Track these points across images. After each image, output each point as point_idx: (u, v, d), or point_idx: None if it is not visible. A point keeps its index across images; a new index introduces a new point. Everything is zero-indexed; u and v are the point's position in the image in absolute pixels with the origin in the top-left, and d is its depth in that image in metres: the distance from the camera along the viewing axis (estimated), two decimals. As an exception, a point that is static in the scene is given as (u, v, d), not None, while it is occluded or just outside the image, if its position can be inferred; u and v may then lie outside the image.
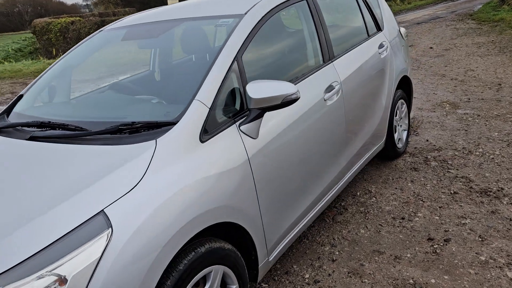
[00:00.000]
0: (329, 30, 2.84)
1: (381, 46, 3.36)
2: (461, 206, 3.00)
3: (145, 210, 1.47)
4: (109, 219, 1.40)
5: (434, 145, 4.06)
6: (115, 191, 1.48)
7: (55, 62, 2.73)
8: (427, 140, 4.20)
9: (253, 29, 2.19)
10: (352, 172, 3.03)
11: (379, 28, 3.47)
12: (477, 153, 3.79)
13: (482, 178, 3.34)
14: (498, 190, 3.14)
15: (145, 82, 2.68)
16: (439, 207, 3.02)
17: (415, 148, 4.06)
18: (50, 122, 2.02)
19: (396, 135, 3.74)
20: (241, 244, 2.01)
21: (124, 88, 2.50)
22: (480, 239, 2.61)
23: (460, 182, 3.33)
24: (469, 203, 3.03)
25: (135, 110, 2.09)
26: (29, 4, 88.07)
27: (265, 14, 2.30)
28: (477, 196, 3.10)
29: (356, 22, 3.31)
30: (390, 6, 18.13)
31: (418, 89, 6.10)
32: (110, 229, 1.38)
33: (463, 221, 2.81)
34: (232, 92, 1.99)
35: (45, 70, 2.70)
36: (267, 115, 2.06)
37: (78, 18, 22.97)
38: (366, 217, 2.99)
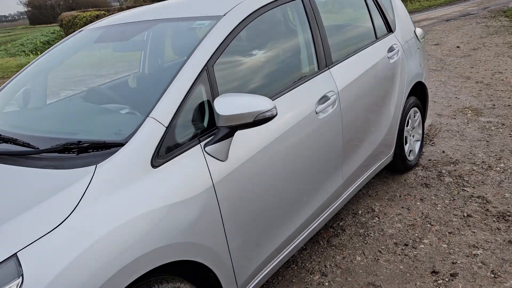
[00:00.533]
0: (330, 33, 2.55)
1: (391, 49, 3.03)
2: (474, 232, 2.66)
3: (69, 253, 1.24)
4: (21, 266, 1.17)
5: (451, 158, 3.70)
6: (36, 229, 1.26)
7: (29, 64, 2.53)
8: (443, 152, 3.84)
9: (231, 32, 1.92)
10: (353, 188, 2.74)
11: (390, 30, 3.14)
12: (498, 168, 3.42)
13: (501, 199, 2.98)
14: (519, 215, 2.78)
15: (119, 89, 2.45)
16: (449, 232, 2.69)
17: (429, 160, 3.71)
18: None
19: (407, 147, 3.41)
20: (207, 279, 1.76)
21: (95, 95, 2.28)
22: (492, 275, 2.28)
23: (476, 202, 2.98)
24: (483, 229, 2.69)
25: (94, 124, 1.86)
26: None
27: (248, 15, 2.03)
28: (494, 220, 2.76)
29: (363, 23, 2.99)
30: (419, 1, 17.59)
31: (440, 92, 5.69)
32: (20, 278, 1.16)
33: (474, 252, 2.48)
34: (200, 106, 1.74)
35: (18, 73, 2.51)
36: (241, 133, 1.80)
37: (103, 12, 23.15)
38: (365, 241, 2.69)
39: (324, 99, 2.29)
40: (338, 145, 2.42)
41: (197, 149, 1.66)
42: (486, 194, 3.07)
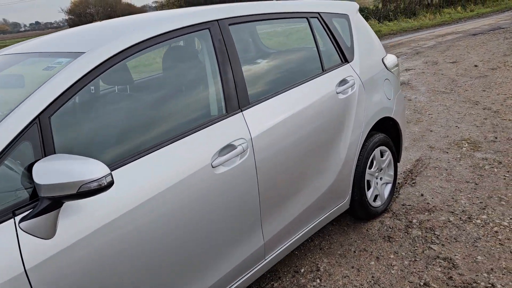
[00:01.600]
0: (257, 67, 2.18)
1: (343, 82, 2.61)
2: (425, 309, 2.20)
3: None
4: None
5: (428, 203, 3.22)
6: None
7: None
8: (422, 195, 3.35)
9: (89, 72, 1.58)
10: (284, 247, 2.32)
11: (345, 60, 2.72)
12: (479, 221, 2.92)
13: (470, 264, 2.49)
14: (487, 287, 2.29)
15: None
16: (396, 307, 2.24)
17: (403, 205, 3.24)
18: None
19: (370, 192, 2.96)
20: None
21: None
22: None
23: (440, 266, 2.50)
24: (438, 305, 2.22)
25: None
26: (100, 6, 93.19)
27: (120, 52, 1.69)
28: (454, 294, 2.28)
29: (305, 53, 2.59)
30: (449, 13, 16.76)
31: (440, 119, 5.16)
32: None
33: (417, 339, 2.02)
34: (26, 170, 1.40)
35: None
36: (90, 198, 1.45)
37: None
38: (293, 312, 2.28)
39: (228, 148, 1.91)
40: (252, 202, 2.03)
41: (7, 226, 1.33)
42: (455, 255, 2.59)
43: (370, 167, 2.93)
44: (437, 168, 3.80)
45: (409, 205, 3.23)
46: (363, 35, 2.94)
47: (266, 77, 2.28)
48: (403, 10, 20.63)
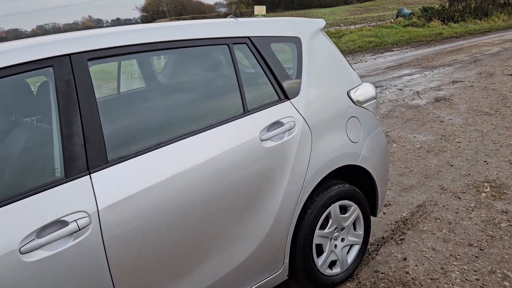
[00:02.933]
0: (138, 109, 1.70)
1: (275, 126, 2.05)
2: None
3: None
4: None
5: (407, 274, 2.54)
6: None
7: None
8: (405, 259, 2.67)
9: None
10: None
11: (285, 96, 2.14)
12: (464, 310, 2.22)
13: None
14: None
15: None
16: None
17: (375, 271, 2.59)
18: None
19: (323, 257, 2.35)
20: None
21: None
22: None
23: None
24: None
25: None
26: (172, 4, 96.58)
27: None
28: None
29: (219, 89, 2.05)
30: (476, 23, 15.00)
31: (469, 150, 4.32)
32: None
33: None
34: None
35: None
36: None
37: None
38: None
39: (56, 226, 1.45)
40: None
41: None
42: None
43: (323, 227, 2.33)
44: (439, 220, 3.07)
45: (382, 273, 2.57)
46: (321, 62, 2.33)
47: (150, 123, 1.79)
48: (473, 10, 18.82)
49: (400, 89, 7.56)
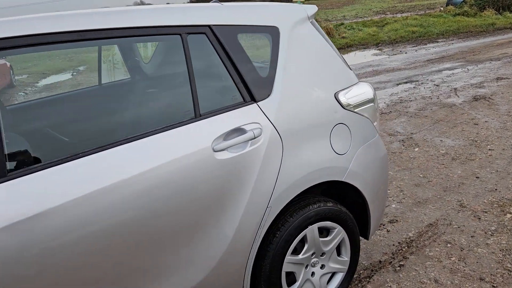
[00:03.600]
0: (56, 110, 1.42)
1: (234, 133, 1.71)
2: None
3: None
4: None
5: (399, 310, 2.16)
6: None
7: None
8: (400, 292, 2.29)
9: None
10: None
11: (251, 97, 1.79)
12: None
13: None
14: None
15: None
16: None
17: (363, 304, 2.23)
18: None
19: (295, 287, 2.02)
20: None
21: None
22: None
23: None
24: None
25: None
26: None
27: None
28: None
29: (163, 88, 1.73)
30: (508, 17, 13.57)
31: (501, 160, 3.80)
32: None
33: None
34: None
35: None
36: None
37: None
38: None
39: None
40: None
41: None
42: None
43: (298, 252, 2.00)
44: (449, 245, 2.65)
45: (370, 306, 2.21)
46: (304, 58, 1.96)
47: (67, 130, 1.51)
48: (535, -2, 17.30)
49: (437, 85, 6.94)
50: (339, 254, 2.18)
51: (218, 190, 1.68)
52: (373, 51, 12.00)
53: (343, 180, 2.02)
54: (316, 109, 1.94)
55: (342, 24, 16.14)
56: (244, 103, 1.78)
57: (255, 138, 1.74)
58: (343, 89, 2.05)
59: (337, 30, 14.69)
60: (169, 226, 1.57)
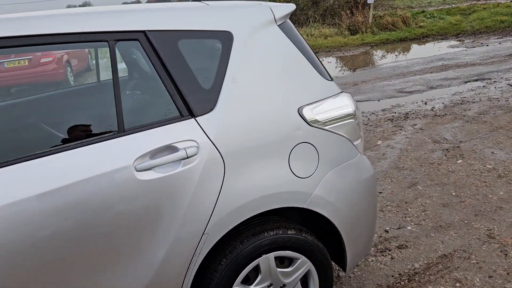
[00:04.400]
0: None
1: (164, 151, 1.54)
2: None
3: None
4: None
5: None
6: None
7: None
8: (380, 335, 1.99)
9: None
10: None
11: (189, 112, 1.60)
12: None
13: None
14: None
15: None
16: None
17: None
18: None
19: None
20: None
21: None
22: None
23: None
24: None
25: None
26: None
27: None
28: None
29: (85, 102, 1.59)
30: None
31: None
32: None
33: None
34: None
35: None
36: None
37: None
38: None
39: None
40: None
41: None
42: None
43: (250, 283, 1.79)
44: (458, 284, 2.26)
45: None
46: (263, 66, 1.71)
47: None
48: None
49: (511, 85, 6.12)
50: (306, 287, 1.94)
51: (142, 212, 1.53)
52: (451, 42, 10.98)
53: (304, 207, 1.77)
54: (271, 126, 1.70)
55: (423, 12, 14.95)
56: (181, 117, 1.60)
57: (187, 157, 1.56)
58: (311, 103, 1.78)
59: (414, 18, 13.65)
60: (82, 249, 1.46)
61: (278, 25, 1.79)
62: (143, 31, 1.57)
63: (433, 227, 2.80)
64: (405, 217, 2.94)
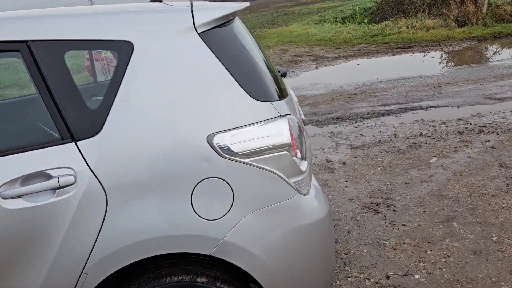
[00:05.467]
0: None
1: (34, 179, 1.36)
2: None
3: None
4: None
5: None
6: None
7: None
8: None
9: None
10: None
11: (69, 135, 1.38)
12: None
13: None
14: None
15: None
16: None
17: None
18: None
19: None
20: None
21: None
22: None
23: None
24: None
25: None
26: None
27: None
28: None
29: None
30: None
31: None
32: None
33: None
34: None
35: None
36: None
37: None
38: None
39: None
40: None
41: None
42: None
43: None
44: None
45: None
46: (168, 84, 1.42)
47: None
48: None
49: None
50: None
51: (8, 244, 1.38)
52: None
53: (210, 254, 1.47)
54: (170, 155, 1.42)
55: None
56: (59, 141, 1.40)
57: (60, 187, 1.37)
58: (228, 130, 1.45)
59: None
60: None
61: (199, 33, 1.48)
62: (25, 41, 1.39)
63: (447, 281, 2.25)
64: (419, 261, 2.42)
